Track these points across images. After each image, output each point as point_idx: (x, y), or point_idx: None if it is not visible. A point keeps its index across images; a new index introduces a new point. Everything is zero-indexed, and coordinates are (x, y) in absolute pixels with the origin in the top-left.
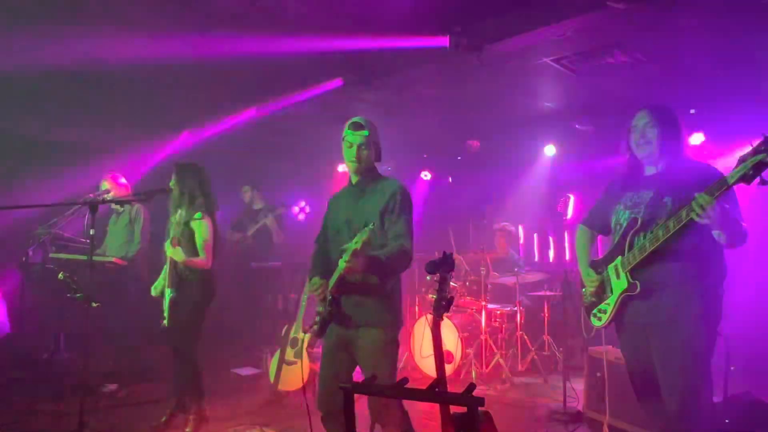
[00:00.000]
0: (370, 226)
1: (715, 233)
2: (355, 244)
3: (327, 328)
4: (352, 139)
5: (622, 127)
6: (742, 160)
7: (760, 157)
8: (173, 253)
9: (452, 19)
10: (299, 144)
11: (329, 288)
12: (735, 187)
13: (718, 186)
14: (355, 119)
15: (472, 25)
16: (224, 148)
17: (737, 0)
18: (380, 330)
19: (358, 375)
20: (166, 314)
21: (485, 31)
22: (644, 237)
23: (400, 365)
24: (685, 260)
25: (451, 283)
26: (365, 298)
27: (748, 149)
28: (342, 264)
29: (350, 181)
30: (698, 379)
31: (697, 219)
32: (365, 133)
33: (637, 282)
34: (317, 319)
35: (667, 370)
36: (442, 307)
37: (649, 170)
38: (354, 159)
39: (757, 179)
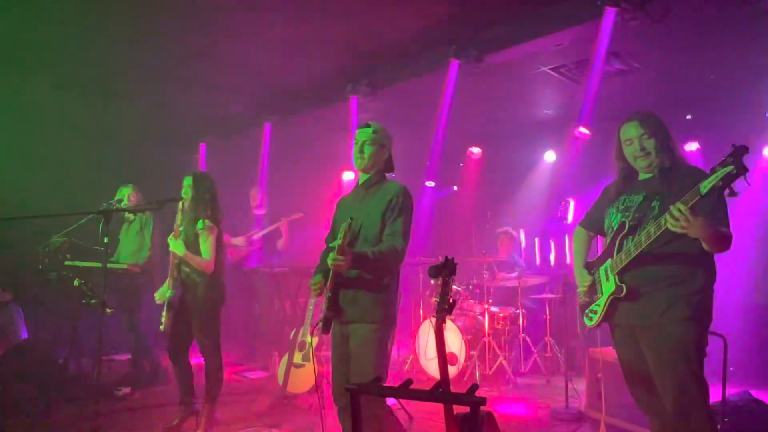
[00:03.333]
0: (348, 221)
1: (699, 239)
2: (339, 240)
3: (330, 325)
4: (357, 137)
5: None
6: (713, 170)
7: (728, 169)
8: (175, 245)
9: (454, 30)
10: (304, 151)
11: (328, 285)
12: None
13: (692, 196)
14: (369, 121)
15: (472, 35)
16: (234, 157)
17: (727, 9)
18: (371, 325)
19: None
20: (163, 319)
21: (485, 42)
22: (631, 241)
23: (405, 367)
24: (672, 263)
25: (454, 287)
26: (360, 294)
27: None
28: (330, 261)
29: (357, 182)
30: (690, 382)
31: (671, 228)
32: (369, 130)
33: (623, 285)
34: (322, 316)
35: (659, 374)
36: (444, 310)
37: (644, 175)
38: (357, 155)
39: (727, 190)
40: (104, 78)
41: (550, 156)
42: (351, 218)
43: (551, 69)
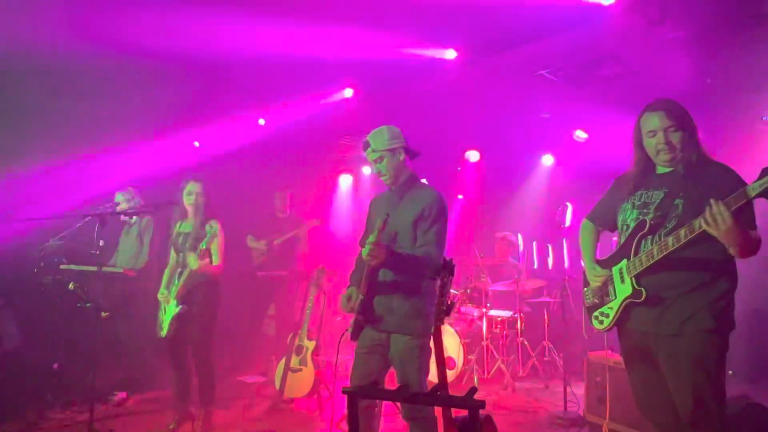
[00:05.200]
0: (384, 216)
1: (726, 244)
2: (374, 235)
3: (361, 331)
4: (368, 158)
5: (617, 135)
6: (765, 172)
7: None
8: (199, 265)
9: (450, 31)
10: (301, 153)
11: (361, 289)
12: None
13: (736, 199)
14: (366, 138)
15: (470, 38)
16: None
17: (724, 13)
18: (410, 337)
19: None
20: (165, 325)
21: (483, 45)
22: (652, 242)
23: None
24: (695, 269)
25: (452, 291)
26: (396, 303)
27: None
28: (364, 253)
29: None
30: (710, 393)
31: (709, 231)
32: (371, 148)
33: (642, 289)
34: (353, 321)
35: (677, 384)
36: (442, 312)
37: (662, 169)
38: (377, 174)
39: None
40: (100, 78)
41: (548, 159)
42: (387, 214)
43: (549, 73)
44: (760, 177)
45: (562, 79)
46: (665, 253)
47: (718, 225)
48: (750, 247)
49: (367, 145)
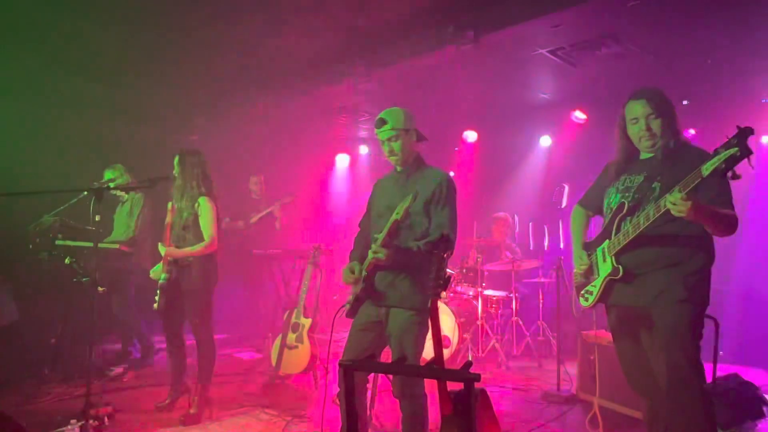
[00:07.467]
0: (411, 196)
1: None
2: (396, 214)
3: (359, 307)
4: (380, 136)
5: (616, 116)
6: (716, 152)
7: (732, 151)
8: (170, 252)
9: (450, 9)
10: (300, 134)
11: (364, 266)
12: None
13: (692, 179)
14: (379, 116)
15: (468, 14)
16: (229, 139)
17: None
18: (411, 312)
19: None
20: (157, 298)
21: (483, 22)
22: (629, 222)
23: None
24: (670, 245)
25: (448, 270)
26: (399, 279)
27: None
28: (371, 254)
29: (395, 167)
30: (684, 363)
31: (672, 211)
32: (389, 126)
33: (620, 266)
34: (350, 298)
35: (654, 356)
36: (439, 286)
37: (645, 155)
38: (390, 156)
39: (730, 173)
40: (97, 57)
41: (545, 140)
42: (417, 191)
43: (548, 51)
44: (711, 158)
45: (561, 59)
46: (638, 231)
47: (678, 207)
48: (722, 225)
49: (382, 122)
